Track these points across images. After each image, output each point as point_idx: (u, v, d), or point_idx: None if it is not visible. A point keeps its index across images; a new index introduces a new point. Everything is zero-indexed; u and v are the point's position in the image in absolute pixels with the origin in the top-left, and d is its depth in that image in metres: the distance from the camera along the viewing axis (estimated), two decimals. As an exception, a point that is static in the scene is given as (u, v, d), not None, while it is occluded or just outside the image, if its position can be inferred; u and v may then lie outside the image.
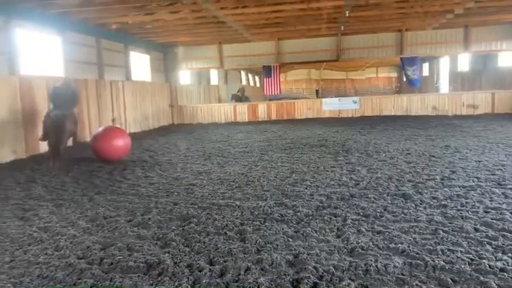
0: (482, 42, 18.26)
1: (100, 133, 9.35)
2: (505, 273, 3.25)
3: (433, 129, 13.23)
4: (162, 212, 5.34)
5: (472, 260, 3.51)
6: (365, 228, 4.36)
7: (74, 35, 13.24)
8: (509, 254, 3.60)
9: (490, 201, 5.17)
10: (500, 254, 3.60)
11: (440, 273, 3.29)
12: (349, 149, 9.88)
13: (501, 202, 5.10)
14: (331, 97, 24.46)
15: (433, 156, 8.40)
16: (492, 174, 6.59)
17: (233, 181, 7.00)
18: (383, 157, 8.59)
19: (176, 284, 3.32)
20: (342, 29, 17.29)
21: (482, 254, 3.62)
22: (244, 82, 35.98)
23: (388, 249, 3.79)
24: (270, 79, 20.19)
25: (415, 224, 4.44)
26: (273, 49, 19.96)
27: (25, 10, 10.94)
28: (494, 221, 4.41)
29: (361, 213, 4.88)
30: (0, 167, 9.22)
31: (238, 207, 5.39)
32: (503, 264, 3.41)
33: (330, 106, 19.74)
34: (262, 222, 4.72)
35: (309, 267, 3.46)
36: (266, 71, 20.20)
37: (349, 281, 3.23)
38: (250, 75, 38.83)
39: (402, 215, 4.76)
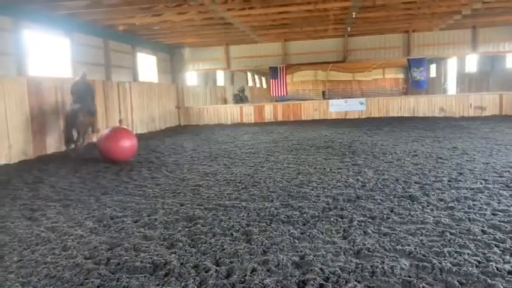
0: (490, 43, 18.16)
1: (107, 134, 9.40)
2: (513, 276, 3.23)
3: (440, 130, 13.16)
4: (169, 212, 5.36)
5: (479, 262, 3.48)
6: (371, 230, 4.34)
7: (82, 36, 13.34)
8: (517, 257, 3.57)
9: (498, 203, 5.13)
10: (508, 257, 3.57)
11: (447, 275, 3.27)
12: (355, 150, 9.85)
13: (509, 204, 5.06)
14: (338, 98, 24.38)
15: (440, 158, 8.35)
16: (500, 177, 6.54)
17: (239, 182, 7.01)
18: (390, 159, 8.56)
19: (182, 284, 3.32)
20: (349, 30, 17.26)
21: (489, 256, 3.59)
22: (250, 83, 36.05)
23: (395, 251, 3.78)
24: (276, 80, 20.20)
25: (422, 226, 4.42)
26: (280, 50, 19.98)
27: (33, 11, 11.05)
28: (502, 223, 4.38)
29: (368, 215, 4.86)
30: (8, 168, 9.31)
31: (244, 208, 5.40)
32: (511, 267, 3.38)
33: (337, 107, 19.70)
34: (269, 224, 4.72)
35: (315, 268, 3.45)
36: (272, 72, 20.21)
37: (355, 282, 3.22)
38: (256, 77, 38.88)
39: (409, 216, 4.74)
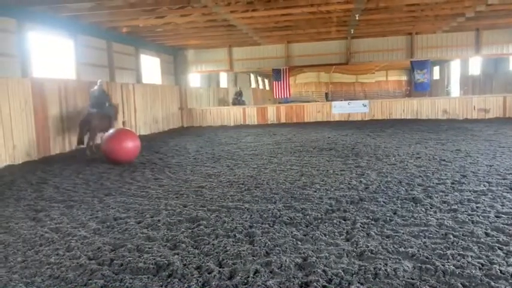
0: (494, 45, 18.13)
1: (110, 135, 9.43)
2: (517, 279, 3.22)
3: (443, 133, 13.13)
4: (172, 214, 5.37)
5: (482, 265, 3.48)
6: (374, 232, 4.34)
7: (86, 38, 13.40)
8: (521, 260, 3.56)
9: (502, 206, 5.12)
10: (511, 259, 3.57)
11: (450, 278, 3.26)
12: (358, 152, 9.84)
13: (513, 207, 5.05)
14: (341, 100, 24.39)
15: (444, 160, 8.34)
16: (503, 179, 6.52)
17: (242, 184, 7.02)
18: (393, 161, 8.55)
19: (185, 285, 3.33)
20: (352, 32, 17.27)
21: (493, 259, 3.58)
22: (253, 85, 36.08)
23: (398, 253, 3.78)
24: (279, 82, 20.21)
25: (425, 228, 4.41)
26: (283, 52, 20.00)
27: (37, 13, 11.10)
28: (505, 226, 4.37)
29: (371, 217, 4.86)
30: (12, 168, 9.35)
31: (247, 209, 5.40)
32: (515, 269, 3.37)
33: (340, 109, 19.70)
34: (271, 225, 4.72)
35: (318, 270, 3.45)
36: (276, 74, 20.22)
37: (358, 284, 3.22)
38: (259, 78, 38.90)
39: (412, 219, 4.74)
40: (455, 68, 29.04)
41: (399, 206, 5.30)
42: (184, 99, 20.69)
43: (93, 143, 11.26)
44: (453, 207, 5.14)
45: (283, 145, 11.84)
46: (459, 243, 3.93)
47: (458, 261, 3.54)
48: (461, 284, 3.16)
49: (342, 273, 3.40)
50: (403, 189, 6.16)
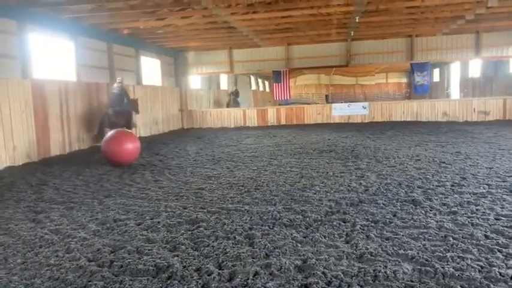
0: (493, 47, 18.15)
1: (110, 137, 9.43)
2: (516, 281, 3.22)
3: (443, 135, 13.14)
4: (172, 215, 5.37)
5: (482, 267, 3.48)
6: (374, 234, 4.34)
7: (86, 39, 13.41)
8: (520, 262, 3.57)
9: (501, 208, 5.12)
10: (511, 262, 3.56)
11: (450, 280, 3.27)
12: (358, 154, 9.85)
13: (512, 209, 5.05)
14: (341, 102, 24.40)
15: (444, 163, 8.34)
16: (503, 181, 6.52)
17: (242, 185, 7.02)
18: (392, 163, 8.56)
19: (185, 287, 3.33)
20: (352, 34, 17.29)
21: (492, 261, 3.58)
22: (254, 87, 36.10)
23: (398, 256, 3.78)
24: (279, 84, 20.24)
25: (425, 230, 4.41)
26: (283, 54, 20.03)
27: (38, 15, 11.12)
28: (505, 228, 4.37)
29: (370, 219, 4.86)
30: (12, 170, 9.35)
31: (247, 211, 5.41)
32: (514, 272, 3.37)
33: (340, 111, 19.71)
34: (271, 227, 4.73)
35: (318, 272, 3.45)
36: (276, 76, 20.25)
37: (357, 287, 3.22)
38: (260, 80, 38.92)
39: (412, 221, 4.74)
40: (455, 70, 29.06)
41: (399, 208, 5.30)
42: (184, 101, 20.70)
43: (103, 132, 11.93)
44: (453, 209, 5.14)
45: (283, 147, 11.84)
46: (459, 246, 3.93)
47: (458, 264, 3.54)
48: (460, 286, 3.16)
49: (342, 275, 3.40)
50: (403, 191, 6.17)
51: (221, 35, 16.50)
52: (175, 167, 9.17)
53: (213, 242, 4.32)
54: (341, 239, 4.29)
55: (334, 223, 4.76)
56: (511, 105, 17.73)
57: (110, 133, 9.75)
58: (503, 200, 5.46)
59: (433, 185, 6.45)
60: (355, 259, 3.76)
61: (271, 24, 15.02)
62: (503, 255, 3.72)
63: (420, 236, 4.25)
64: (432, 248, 3.92)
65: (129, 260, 3.89)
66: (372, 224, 4.69)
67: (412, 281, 3.28)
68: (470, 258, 3.65)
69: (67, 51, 12.73)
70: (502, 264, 3.53)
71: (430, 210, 5.14)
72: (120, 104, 12.65)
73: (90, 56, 13.64)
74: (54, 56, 12.30)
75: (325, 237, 4.34)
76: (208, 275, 3.51)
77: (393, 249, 3.92)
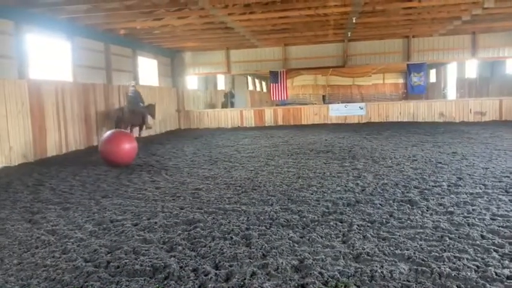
0: (490, 48, 18.23)
1: (107, 137, 9.41)
2: (512, 281, 3.24)
3: (440, 135, 13.18)
4: (168, 216, 5.37)
5: (478, 267, 3.49)
6: (371, 234, 4.35)
7: (83, 40, 13.39)
8: (516, 262, 3.58)
9: (497, 208, 5.14)
10: (507, 262, 3.58)
11: (446, 280, 3.28)
12: (355, 155, 9.87)
13: (508, 209, 5.07)
14: (338, 103, 24.43)
15: (440, 163, 8.37)
16: (499, 182, 6.55)
17: (239, 186, 7.02)
18: (389, 163, 8.57)
19: (182, 288, 3.34)
20: (349, 35, 17.32)
21: (488, 261, 3.60)
22: (251, 87, 36.10)
23: (394, 256, 3.79)
24: (276, 85, 20.25)
25: (421, 230, 4.43)
26: (280, 55, 20.04)
27: (35, 15, 11.10)
28: (501, 228, 4.39)
29: (367, 219, 4.87)
30: (9, 170, 9.32)
31: (244, 212, 5.41)
32: (510, 272, 3.38)
33: (337, 112, 19.74)
34: (268, 227, 4.73)
35: (315, 272, 3.46)
36: (273, 77, 20.26)
37: (354, 287, 3.23)
38: (257, 81, 38.91)
39: (408, 221, 4.75)
40: (451, 71, 29.11)
41: (395, 208, 5.31)
42: (181, 101, 20.68)
43: (130, 130, 13.85)
44: (449, 209, 5.15)
45: (281, 147, 11.85)
46: (455, 246, 3.94)
47: (454, 264, 3.55)
48: (456, 286, 3.17)
49: (338, 275, 3.41)
50: (400, 191, 6.18)
51: (218, 35, 16.50)
52: (173, 168, 9.16)
53: (210, 242, 4.32)
54: (338, 239, 4.29)
55: (331, 223, 4.77)
56: (507, 106, 17.81)
57: (106, 133, 9.73)
58: (499, 200, 5.48)
59: (429, 185, 6.47)
60: (352, 259, 3.77)
61: (268, 24, 15.03)
62: (499, 255, 3.74)
63: (417, 236, 4.27)
64: (428, 248, 3.93)
65: (125, 261, 3.88)
66: (369, 224, 4.70)
67: (409, 281, 3.28)
68: (467, 258, 3.66)
69: (64, 51, 12.71)
70: (497, 264, 3.55)
71: (427, 211, 5.16)
72: (136, 105, 14.19)
73: (86, 57, 13.61)
74: (51, 56, 12.27)
75: (322, 237, 4.34)
76: (205, 275, 3.51)
77: (390, 249, 3.93)
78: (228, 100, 25.24)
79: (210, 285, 3.33)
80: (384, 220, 4.80)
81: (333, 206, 5.50)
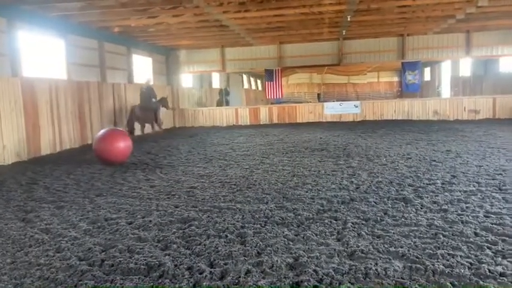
0: (484, 47, 18.31)
1: (101, 135, 9.37)
2: (505, 278, 3.25)
3: (434, 133, 13.23)
4: (163, 214, 5.36)
5: (471, 264, 3.51)
6: (365, 232, 4.36)
7: (76, 37, 13.31)
8: (509, 259, 3.60)
9: (491, 206, 5.17)
10: (500, 259, 3.61)
11: (440, 277, 3.29)
12: (350, 153, 9.89)
13: (501, 207, 5.10)
14: (333, 101, 24.48)
15: (434, 161, 8.40)
16: (493, 179, 6.59)
17: (234, 184, 7.02)
18: (384, 161, 8.60)
19: (177, 286, 3.33)
20: (344, 33, 17.34)
21: (482, 258, 3.62)
22: (246, 85, 36.09)
23: (388, 253, 3.80)
24: (272, 83, 20.24)
25: (416, 228, 4.45)
26: (275, 53, 20.04)
27: (28, 13, 11.02)
28: (494, 225, 4.42)
29: (362, 217, 4.89)
30: (2, 169, 9.27)
31: (239, 210, 5.41)
32: (503, 269, 3.41)
33: (332, 110, 19.77)
34: (263, 225, 4.73)
35: (309, 270, 3.47)
36: (268, 75, 20.25)
37: (348, 284, 3.24)
38: (252, 79, 38.90)
39: (402, 219, 4.77)
40: (445, 69, 29.26)
41: (390, 206, 5.33)
42: (176, 99, 20.62)
43: (142, 127, 15.39)
44: (443, 207, 5.18)
45: (276, 146, 11.85)
46: (449, 243, 3.96)
47: (448, 261, 3.57)
48: (450, 283, 3.19)
49: (333, 273, 3.42)
50: (394, 189, 6.20)
51: (213, 33, 16.46)
52: (167, 166, 9.14)
53: (204, 240, 4.31)
54: (332, 237, 4.31)
55: (326, 221, 4.78)
56: (501, 104, 17.90)
57: (101, 131, 9.69)
58: (493, 198, 5.51)
59: (423, 183, 6.50)
60: (346, 257, 3.78)
61: (263, 22, 15.01)
62: (492, 252, 3.76)
63: (411, 233, 4.28)
64: (422, 245, 3.95)
65: (120, 259, 3.87)
66: (363, 222, 4.71)
67: (403, 278, 3.30)
68: (460, 256, 3.69)
69: (57, 49, 12.63)
70: (491, 261, 3.57)
71: (421, 208, 5.18)
72: (148, 101, 14.93)
73: (80, 54, 13.54)
74: (44, 54, 12.20)
75: (316, 235, 4.35)
76: (200, 274, 3.50)
77: (384, 246, 3.94)
78: (223, 97, 25.18)
79: (204, 283, 3.33)
80: (378, 218, 4.82)
81: (327, 204, 5.52)
